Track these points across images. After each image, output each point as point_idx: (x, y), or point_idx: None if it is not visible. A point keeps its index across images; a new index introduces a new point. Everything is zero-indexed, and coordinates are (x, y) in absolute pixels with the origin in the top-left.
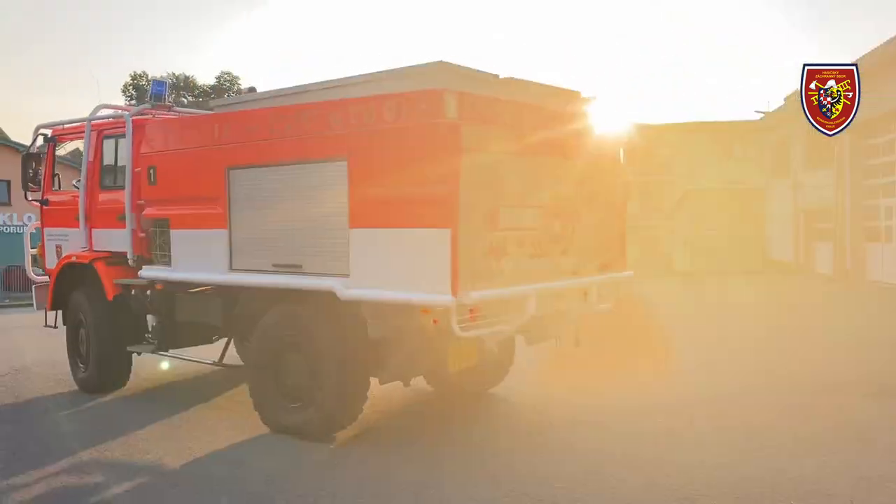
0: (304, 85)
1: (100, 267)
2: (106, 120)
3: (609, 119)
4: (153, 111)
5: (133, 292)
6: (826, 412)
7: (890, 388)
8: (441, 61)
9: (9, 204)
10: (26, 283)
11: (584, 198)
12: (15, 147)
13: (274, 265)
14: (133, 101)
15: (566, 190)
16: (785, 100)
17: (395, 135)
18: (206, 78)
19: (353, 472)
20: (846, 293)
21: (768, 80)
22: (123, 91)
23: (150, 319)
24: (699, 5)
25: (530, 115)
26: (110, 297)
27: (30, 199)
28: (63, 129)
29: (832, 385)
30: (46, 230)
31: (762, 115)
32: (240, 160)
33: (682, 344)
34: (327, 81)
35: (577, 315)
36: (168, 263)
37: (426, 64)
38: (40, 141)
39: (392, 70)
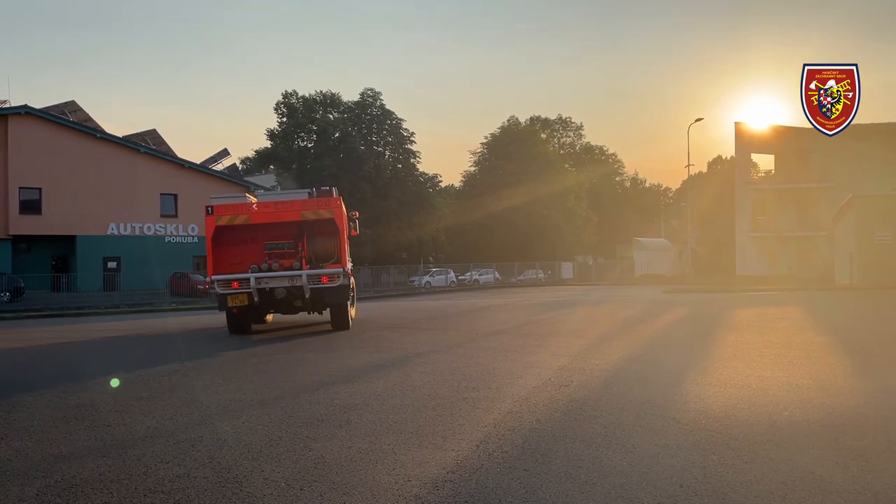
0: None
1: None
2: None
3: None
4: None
5: None
6: None
7: None
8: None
9: (175, 216)
10: (191, 289)
11: (310, 235)
12: (181, 163)
13: None
14: (284, 119)
15: (297, 232)
16: None
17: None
18: (350, 95)
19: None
20: None
21: None
22: (276, 109)
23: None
24: None
25: (260, 208)
26: None
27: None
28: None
29: None
30: None
31: None
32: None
33: (855, 361)
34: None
35: (307, 288)
36: None
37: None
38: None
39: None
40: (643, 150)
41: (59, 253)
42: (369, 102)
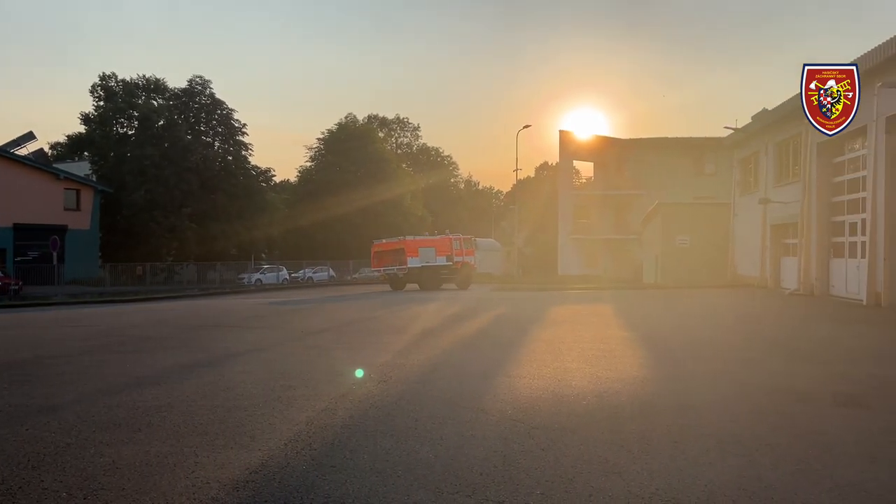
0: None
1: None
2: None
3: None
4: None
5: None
6: (796, 421)
7: (854, 397)
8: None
9: None
10: None
11: (400, 254)
12: None
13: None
14: (101, 103)
15: (397, 252)
16: (753, 118)
17: None
18: (177, 81)
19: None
20: (809, 308)
21: (740, 96)
22: (92, 92)
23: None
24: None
25: (386, 244)
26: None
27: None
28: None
29: (800, 395)
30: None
31: (731, 131)
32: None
33: (651, 353)
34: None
35: (400, 274)
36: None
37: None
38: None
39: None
40: (477, 153)
41: None
42: (198, 90)
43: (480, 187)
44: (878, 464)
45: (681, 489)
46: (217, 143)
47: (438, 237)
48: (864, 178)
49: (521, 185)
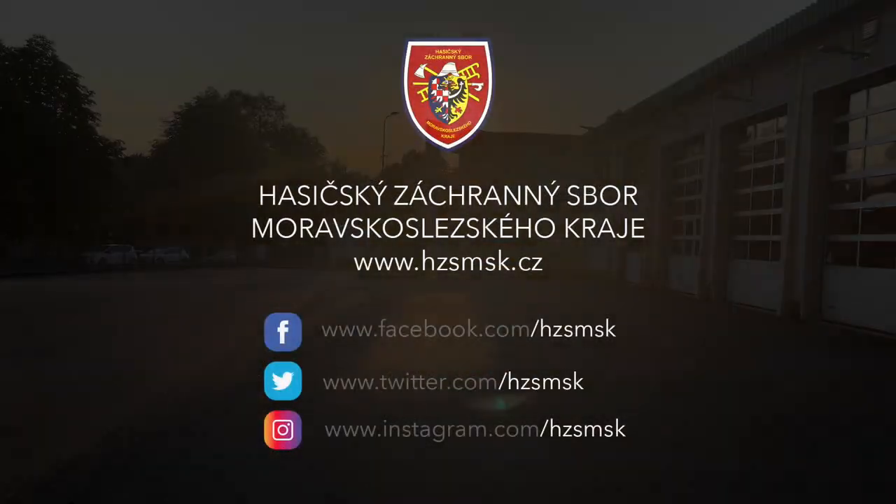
0: None
1: None
2: None
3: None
4: None
5: None
6: (622, 408)
7: (677, 384)
8: None
9: None
10: None
11: None
12: None
13: None
14: None
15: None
16: (608, 118)
17: None
18: (14, 41)
19: None
20: (648, 301)
21: (605, 93)
22: None
23: None
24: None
25: None
26: None
27: None
28: None
29: (632, 383)
30: None
31: (586, 130)
32: None
33: (496, 343)
34: None
35: None
36: None
37: None
38: None
39: None
40: (345, 137)
41: None
42: (38, 52)
43: (348, 171)
44: (685, 448)
45: (501, 482)
46: (59, 111)
47: None
48: (700, 181)
49: (388, 171)
